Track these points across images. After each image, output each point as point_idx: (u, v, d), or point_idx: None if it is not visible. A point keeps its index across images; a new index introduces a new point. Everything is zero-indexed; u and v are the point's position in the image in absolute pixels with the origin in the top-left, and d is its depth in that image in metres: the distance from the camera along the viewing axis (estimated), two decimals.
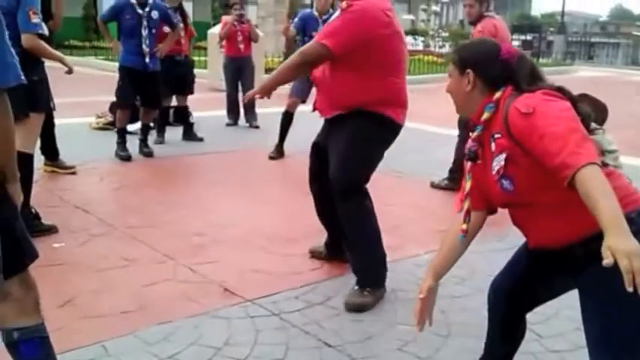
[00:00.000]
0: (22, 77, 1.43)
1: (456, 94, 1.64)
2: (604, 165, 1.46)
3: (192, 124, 6.15)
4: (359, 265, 2.73)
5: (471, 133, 1.60)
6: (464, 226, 1.64)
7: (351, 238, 2.73)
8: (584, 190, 1.29)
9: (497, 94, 1.55)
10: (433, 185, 4.60)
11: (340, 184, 2.64)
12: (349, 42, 2.49)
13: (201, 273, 2.87)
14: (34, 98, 3.18)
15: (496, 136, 1.51)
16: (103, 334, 2.25)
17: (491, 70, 1.57)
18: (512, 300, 1.76)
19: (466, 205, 1.63)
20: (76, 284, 2.70)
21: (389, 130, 2.73)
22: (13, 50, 1.41)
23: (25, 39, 3.07)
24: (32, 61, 3.16)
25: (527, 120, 1.42)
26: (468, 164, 1.61)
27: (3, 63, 1.37)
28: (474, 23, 4.45)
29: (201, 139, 6.05)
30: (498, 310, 1.79)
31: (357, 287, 2.66)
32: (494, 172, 1.53)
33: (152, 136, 5.68)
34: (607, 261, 1.25)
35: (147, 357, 2.12)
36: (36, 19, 3.07)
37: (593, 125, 1.53)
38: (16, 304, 1.53)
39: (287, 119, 5.46)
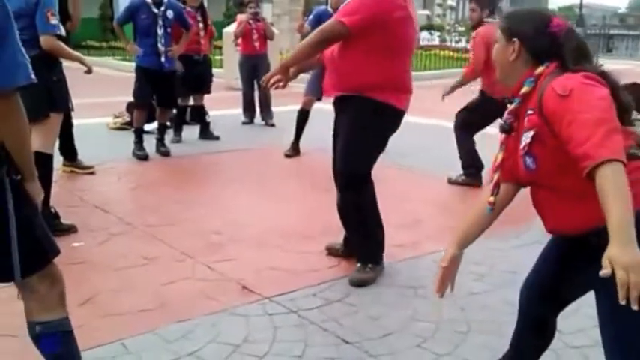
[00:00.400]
0: (33, 76, 1.43)
1: (499, 62, 1.59)
2: (636, 158, 1.42)
3: (208, 123, 6.19)
4: (362, 246, 2.89)
5: (508, 105, 1.56)
6: (491, 199, 1.60)
7: (355, 223, 2.89)
8: (599, 188, 1.26)
9: (540, 69, 1.49)
10: (450, 181, 4.57)
11: (343, 176, 2.78)
12: (366, 21, 2.55)
13: (220, 271, 2.88)
14: (53, 98, 3.24)
15: (529, 112, 1.48)
16: (123, 331, 2.28)
17: (538, 43, 1.50)
18: (542, 297, 1.72)
19: (496, 177, 1.59)
20: (96, 283, 2.73)
21: (390, 118, 2.78)
22: (24, 50, 1.42)
23: (44, 40, 3.11)
24: (51, 62, 3.21)
25: (562, 102, 1.37)
26: (502, 136, 1.57)
27: (14, 63, 1.38)
28: (474, 27, 4.47)
29: (217, 138, 6.09)
30: (529, 308, 1.75)
31: (359, 264, 2.84)
32: (521, 147, 1.50)
33: (169, 136, 5.72)
34: (604, 271, 1.24)
35: (166, 354, 2.14)
36: (54, 20, 3.12)
37: (634, 115, 1.47)
38: (39, 299, 1.56)
39: (303, 117, 5.46)
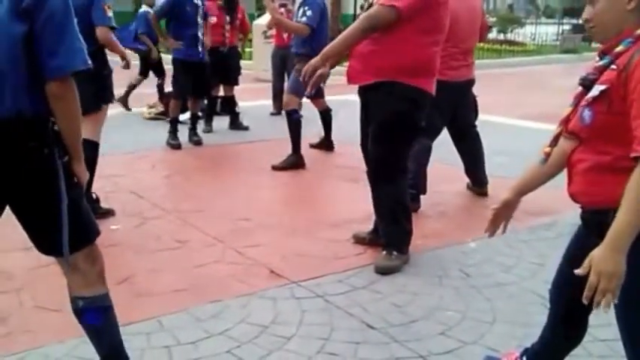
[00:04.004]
0: (89, 62, 1.52)
1: (608, 9, 1.43)
2: None
3: (238, 114, 6.29)
4: (388, 233, 2.89)
5: (597, 61, 1.49)
6: (547, 149, 1.56)
7: (385, 211, 2.90)
8: (632, 180, 1.26)
9: None
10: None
11: (377, 165, 2.80)
12: (417, 2, 2.56)
13: (249, 255, 2.96)
14: (105, 91, 3.39)
15: (613, 66, 1.40)
16: (158, 310, 2.37)
17: None
18: (569, 298, 1.71)
19: (558, 130, 1.55)
20: (132, 264, 2.85)
21: (422, 104, 2.77)
22: (81, 37, 1.51)
23: (101, 31, 3.22)
24: (103, 57, 3.34)
25: None
26: (577, 90, 1.51)
27: (72, 49, 1.47)
28: None
29: (246, 128, 6.18)
30: (558, 308, 1.74)
31: (384, 252, 2.85)
32: (585, 98, 1.46)
33: (200, 126, 5.84)
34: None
35: (199, 332, 2.23)
36: (110, 12, 3.25)
37: None
38: (82, 275, 1.66)
39: (324, 117, 5.31)
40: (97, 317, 1.71)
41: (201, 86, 5.43)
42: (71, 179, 1.57)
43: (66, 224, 1.52)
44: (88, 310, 1.69)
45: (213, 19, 5.75)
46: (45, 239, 1.59)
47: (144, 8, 6.63)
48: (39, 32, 1.42)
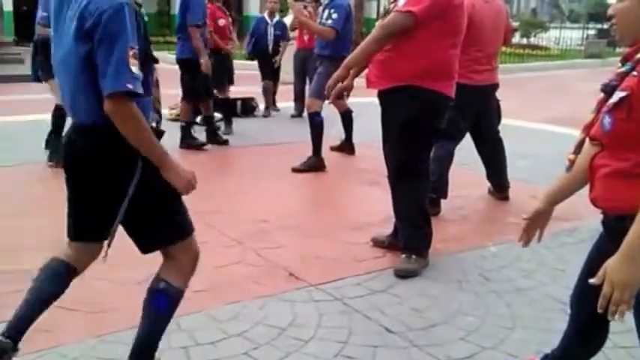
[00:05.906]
0: (135, 88, 1.55)
1: (627, 16, 1.44)
2: None
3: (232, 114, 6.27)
4: (408, 237, 2.88)
5: (619, 67, 1.48)
6: (571, 157, 1.55)
7: (404, 214, 2.89)
8: None
9: None
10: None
11: (394, 168, 2.82)
12: (433, 6, 2.56)
13: (268, 257, 2.97)
14: None
15: (634, 73, 1.39)
16: (177, 311, 2.36)
17: None
18: (590, 308, 1.69)
19: (581, 137, 1.54)
20: (151, 264, 2.85)
21: (440, 108, 2.77)
22: (130, 63, 1.57)
23: None
24: None
25: None
26: (600, 96, 1.50)
27: (117, 71, 1.52)
28: None
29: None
30: (579, 317, 1.71)
31: (404, 255, 2.85)
32: (606, 104, 1.45)
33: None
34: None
35: (217, 333, 2.24)
36: None
37: None
38: (176, 264, 1.79)
39: (345, 118, 5.30)
40: (165, 305, 1.79)
41: (208, 86, 5.48)
42: (148, 181, 1.66)
43: (118, 219, 1.64)
44: (164, 294, 1.77)
45: (222, 22, 5.85)
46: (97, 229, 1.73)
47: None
48: (95, 52, 1.55)
